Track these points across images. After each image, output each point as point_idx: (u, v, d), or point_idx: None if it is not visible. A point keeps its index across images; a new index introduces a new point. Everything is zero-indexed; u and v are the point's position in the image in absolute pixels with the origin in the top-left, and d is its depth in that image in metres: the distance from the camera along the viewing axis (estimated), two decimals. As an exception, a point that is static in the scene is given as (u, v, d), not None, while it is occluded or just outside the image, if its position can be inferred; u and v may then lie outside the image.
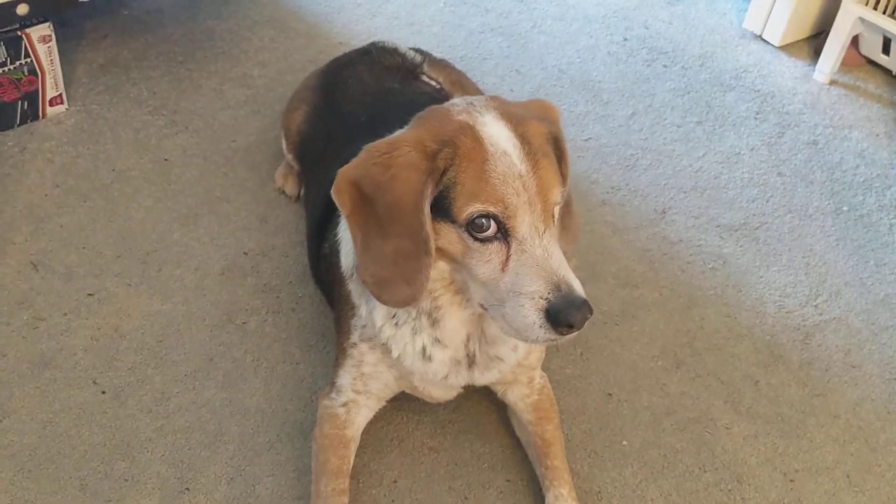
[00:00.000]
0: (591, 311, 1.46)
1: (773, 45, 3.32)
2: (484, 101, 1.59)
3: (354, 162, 1.56)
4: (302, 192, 2.50)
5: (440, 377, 1.73)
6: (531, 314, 1.45)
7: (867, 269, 2.51)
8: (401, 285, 1.54)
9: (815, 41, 3.31)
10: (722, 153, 2.86)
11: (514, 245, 1.47)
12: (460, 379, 1.76)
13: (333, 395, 1.86)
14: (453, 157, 1.48)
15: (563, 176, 1.59)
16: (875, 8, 3.00)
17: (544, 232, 1.48)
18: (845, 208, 2.69)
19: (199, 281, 2.32)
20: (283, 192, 2.56)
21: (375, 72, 2.33)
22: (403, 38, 3.10)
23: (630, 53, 3.27)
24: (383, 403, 1.92)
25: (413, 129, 1.56)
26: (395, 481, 1.94)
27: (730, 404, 2.14)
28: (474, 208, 1.46)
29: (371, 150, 1.54)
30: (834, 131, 2.97)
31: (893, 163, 2.86)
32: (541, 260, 1.45)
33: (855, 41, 3.17)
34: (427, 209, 1.49)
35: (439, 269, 1.59)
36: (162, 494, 1.88)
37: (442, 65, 2.50)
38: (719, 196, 2.70)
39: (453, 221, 1.49)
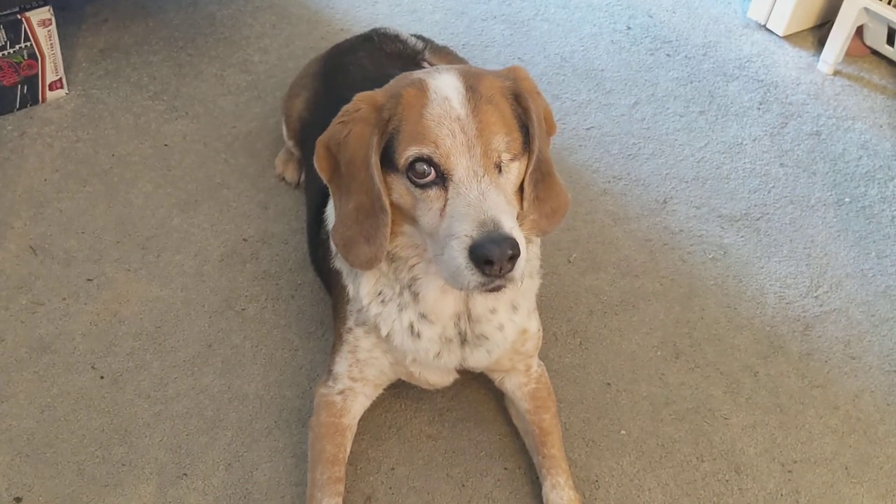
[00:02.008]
0: (513, 248, 1.41)
1: (777, 35, 3.29)
2: (450, 65, 1.62)
3: (328, 128, 1.60)
4: (302, 178, 2.50)
5: (432, 355, 1.73)
6: (459, 255, 1.43)
7: (868, 260, 2.50)
8: (363, 244, 1.56)
9: (820, 31, 3.29)
10: (724, 143, 2.84)
11: (450, 189, 1.47)
12: (453, 358, 1.75)
13: (330, 383, 1.86)
14: (396, 105, 1.51)
15: (532, 136, 1.57)
16: (880, -2, 2.98)
17: (483, 176, 1.47)
18: (847, 199, 2.68)
19: (199, 267, 2.32)
20: (284, 178, 2.55)
21: (377, 58, 2.32)
22: (405, 25, 3.09)
23: (633, 42, 3.25)
24: (380, 391, 1.92)
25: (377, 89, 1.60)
26: (393, 468, 1.94)
27: (729, 395, 2.14)
28: (410, 152, 1.48)
29: (339, 113, 1.59)
30: (837, 122, 2.95)
31: (896, 154, 2.85)
32: (474, 202, 1.44)
33: (860, 31, 3.14)
34: (375, 161, 1.52)
35: (408, 234, 1.60)
36: (160, 479, 1.89)
37: (444, 52, 2.49)
38: (721, 186, 2.69)
39: (397, 170, 1.51)
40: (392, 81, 1.60)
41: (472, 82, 1.52)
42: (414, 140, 1.48)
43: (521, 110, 1.57)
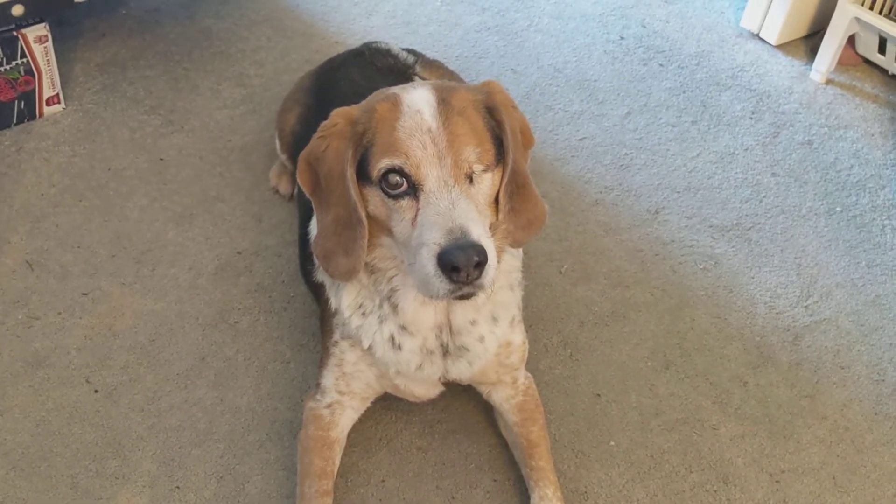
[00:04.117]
0: (480, 255, 1.44)
1: (769, 44, 3.31)
2: (427, 81, 1.64)
3: (309, 143, 1.65)
4: (295, 191, 2.52)
5: (413, 367, 1.75)
6: (428, 263, 1.46)
7: (859, 269, 2.51)
8: (341, 256, 1.60)
9: (812, 40, 3.30)
10: (716, 153, 2.86)
11: (422, 199, 1.51)
12: (435, 370, 1.77)
13: (318, 396, 1.88)
14: (370, 120, 1.55)
15: (506, 148, 1.60)
16: (871, 8, 2.99)
17: (454, 186, 1.50)
18: (838, 209, 2.69)
19: (193, 280, 2.34)
20: (277, 191, 2.58)
21: (368, 73, 2.34)
22: (399, 37, 3.12)
23: (626, 52, 3.27)
24: (368, 404, 1.94)
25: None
26: (384, 480, 1.96)
27: (718, 405, 2.15)
28: (382, 163, 1.52)
29: (318, 128, 1.64)
30: (829, 131, 2.96)
31: (887, 163, 2.85)
32: (443, 211, 1.48)
33: (851, 40, 3.16)
34: (350, 174, 1.56)
35: (386, 246, 1.64)
36: (152, 492, 1.91)
37: (434, 65, 2.51)
38: (712, 196, 2.71)
39: (372, 182, 1.55)
40: (369, 97, 1.65)
41: (445, 96, 1.55)
42: (386, 152, 1.51)
43: (494, 123, 1.60)
